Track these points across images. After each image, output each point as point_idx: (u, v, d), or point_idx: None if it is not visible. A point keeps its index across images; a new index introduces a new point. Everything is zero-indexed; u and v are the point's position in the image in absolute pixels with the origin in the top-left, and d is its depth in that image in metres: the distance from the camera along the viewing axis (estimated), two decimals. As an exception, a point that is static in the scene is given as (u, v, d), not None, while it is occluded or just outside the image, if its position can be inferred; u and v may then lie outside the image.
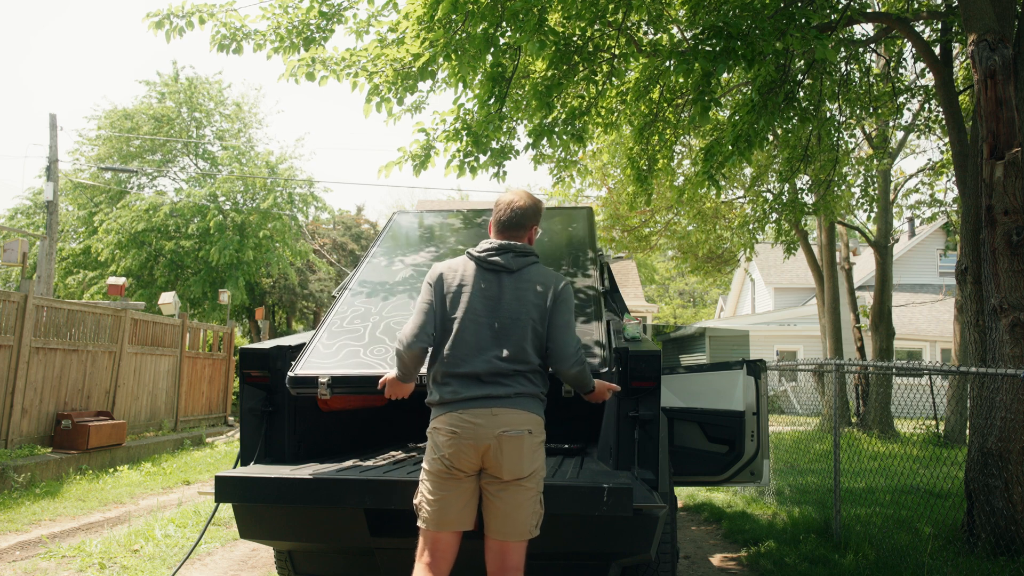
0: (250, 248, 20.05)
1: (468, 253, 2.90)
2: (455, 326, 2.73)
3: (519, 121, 7.46)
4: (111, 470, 8.96)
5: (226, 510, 6.00)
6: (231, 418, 14.76)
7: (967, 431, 8.42)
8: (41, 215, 21.33)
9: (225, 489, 3.06)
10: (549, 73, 6.45)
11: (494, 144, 6.49)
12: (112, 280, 15.69)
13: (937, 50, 7.99)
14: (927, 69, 8.84)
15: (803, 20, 5.51)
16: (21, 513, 6.51)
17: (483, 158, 6.45)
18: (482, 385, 2.66)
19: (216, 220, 19.44)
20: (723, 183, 6.99)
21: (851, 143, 12.52)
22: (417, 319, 2.77)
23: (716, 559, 5.51)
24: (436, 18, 5.41)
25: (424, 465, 2.72)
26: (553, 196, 15.19)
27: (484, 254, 2.84)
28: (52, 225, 15.53)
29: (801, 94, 7.95)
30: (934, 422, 13.25)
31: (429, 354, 2.80)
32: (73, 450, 8.82)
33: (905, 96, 10.39)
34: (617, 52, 6.67)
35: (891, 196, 15.41)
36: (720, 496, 7.97)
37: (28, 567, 4.91)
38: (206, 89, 22.07)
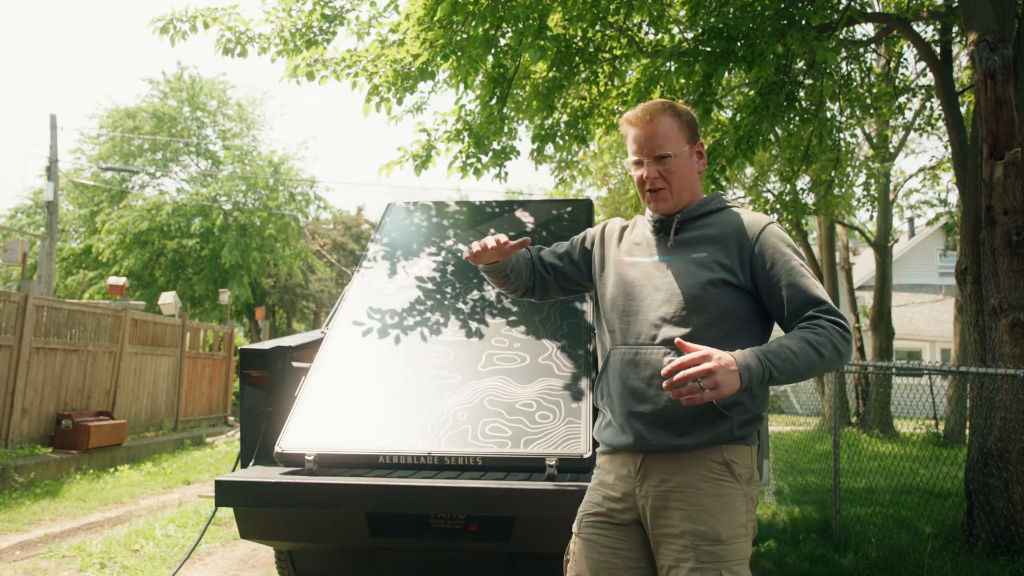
0: (254, 248, 20.04)
1: None
2: None
3: (520, 121, 7.45)
4: (111, 470, 8.96)
5: (226, 510, 6.00)
6: (231, 418, 14.76)
7: (967, 431, 8.42)
8: (42, 215, 21.32)
9: (225, 493, 3.06)
10: (550, 75, 6.46)
11: (495, 145, 6.49)
12: (112, 280, 15.69)
13: (937, 50, 7.98)
14: (928, 68, 8.83)
15: (803, 22, 5.51)
16: (21, 513, 6.51)
17: (484, 159, 6.46)
18: None
19: (220, 221, 19.43)
20: (725, 185, 6.96)
21: (852, 143, 12.52)
22: None
23: (716, 559, 5.50)
24: (436, 19, 5.41)
25: None
26: (554, 196, 15.20)
27: None
28: (52, 225, 15.53)
29: (802, 94, 7.94)
30: (934, 422, 13.25)
31: None
32: (73, 450, 8.82)
33: (906, 96, 10.39)
34: (618, 53, 6.67)
35: (891, 196, 15.40)
36: (720, 496, 7.95)
37: (28, 567, 4.92)
38: (209, 88, 22.05)
